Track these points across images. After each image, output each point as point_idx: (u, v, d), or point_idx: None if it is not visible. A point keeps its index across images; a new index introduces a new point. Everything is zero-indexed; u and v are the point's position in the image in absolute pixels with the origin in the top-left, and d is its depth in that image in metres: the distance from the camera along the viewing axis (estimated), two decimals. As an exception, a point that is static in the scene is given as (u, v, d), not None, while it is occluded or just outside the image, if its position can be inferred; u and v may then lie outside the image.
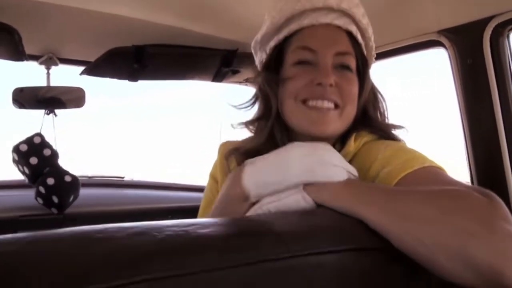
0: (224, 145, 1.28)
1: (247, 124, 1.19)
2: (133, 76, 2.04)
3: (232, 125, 1.21)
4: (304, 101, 1.05)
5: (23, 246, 0.49)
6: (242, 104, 1.20)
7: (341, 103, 1.05)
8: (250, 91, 2.43)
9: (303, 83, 1.05)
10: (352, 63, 1.09)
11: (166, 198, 2.51)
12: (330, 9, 1.08)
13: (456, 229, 0.67)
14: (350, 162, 1.05)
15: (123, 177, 2.71)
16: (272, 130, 1.11)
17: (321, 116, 1.04)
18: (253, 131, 1.20)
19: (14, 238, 0.50)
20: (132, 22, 1.72)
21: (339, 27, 1.09)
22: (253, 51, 1.24)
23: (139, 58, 1.88)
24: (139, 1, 1.61)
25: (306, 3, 1.07)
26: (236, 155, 1.15)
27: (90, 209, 2.16)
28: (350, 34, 1.10)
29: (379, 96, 1.18)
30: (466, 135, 1.58)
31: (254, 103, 1.19)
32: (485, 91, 1.48)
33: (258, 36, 1.17)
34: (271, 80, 1.11)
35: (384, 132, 1.11)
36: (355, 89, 1.09)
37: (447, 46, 1.57)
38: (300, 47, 1.08)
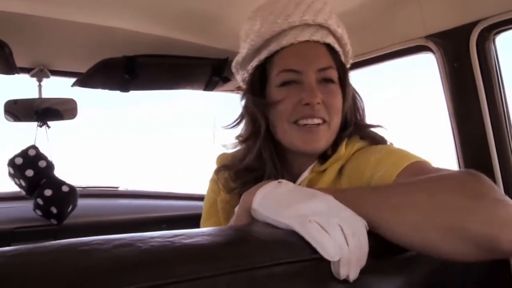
0: (220, 157, 1.34)
1: (236, 144, 1.24)
2: (124, 86, 2.04)
3: (224, 146, 1.27)
4: (295, 121, 1.09)
5: (11, 258, 0.50)
6: (230, 124, 1.23)
7: (328, 118, 1.10)
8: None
9: (291, 105, 1.09)
10: (334, 75, 1.13)
11: (161, 207, 2.51)
12: (306, 25, 1.10)
13: (445, 208, 0.69)
14: (343, 166, 1.11)
15: (117, 187, 2.72)
16: (261, 149, 1.15)
17: (313, 135, 1.08)
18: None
19: (2, 251, 0.51)
20: (123, 33, 1.73)
21: (317, 41, 1.11)
22: (234, 71, 1.28)
23: (129, 69, 1.89)
24: (129, 13, 1.62)
25: (283, 23, 1.09)
26: (228, 173, 1.23)
27: (85, 219, 2.17)
28: (328, 45, 1.13)
29: (357, 96, 1.23)
30: (455, 138, 1.59)
31: (240, 121, 1.23)
32: (472, 95, 1.50)
33: (239, 58, 1.20)
34: (258, 103, 1.14)
35: (373, 138, 1.16)
36: (339, 100, 1.13)
37: (434, 50, 1.58)
38: (283, 70, 1.11)
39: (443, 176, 0.76)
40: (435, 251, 0.71)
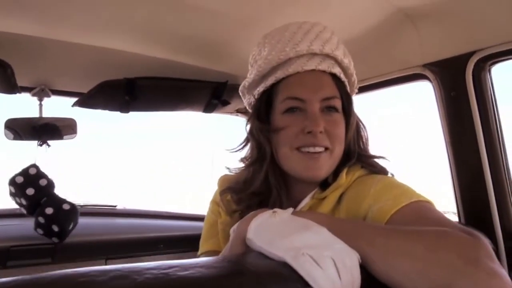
0: (222, 179, 1.35)
1: (242, 167, 1.24)
2: (125, 107, 2.06)
3: (227, 168, 1.28)
4: (298, 148, 1.10)
5: None
6: (235, 148, 1.25)
7: (330, 146, 1.11)
8: (240, 120, 2.47)
9: (295, 132, 1.10)
10: (338, 104, 1.14)
11: (158, 227, 2.50)
12: (313, 54, 1.12)
13: (442, 266, 0.69)
14: (342, 194, 1.12)
15: (115, 206, 2.71)
16: (267, 174, 1.16)
17: (314, 162, 1.09)
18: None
19: (1, 282, 0.52)
20: (123, 55, 1.75)
21: (323, 71, 1.13)
22: (241, 94, 1.29)
23: (130, 90, 1.91)
24: (130, 35, 1.64)
25: (290, 52, 1.10)
26: (231, 195, 1.23)
27: (82, 239, 2.15)
28: (334, 75, 1.15)
29: (361, 125, 1.24)
30: (451, 165, 1.60)
31: (245, 145, 1.24)
32: (468, 123, 1.52)
33: (246, 83, 1.21)
34: (263, 129, 1.16)
35: (374, 166, 1.16)
36: (342, 130, 1.14)
37: (431, 79, 1.60)
38: (288, 97, 1.12)
39: (445, 233, 0.76)
40: None
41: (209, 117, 2.39)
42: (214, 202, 1.35)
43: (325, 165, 1.11)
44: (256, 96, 1.22)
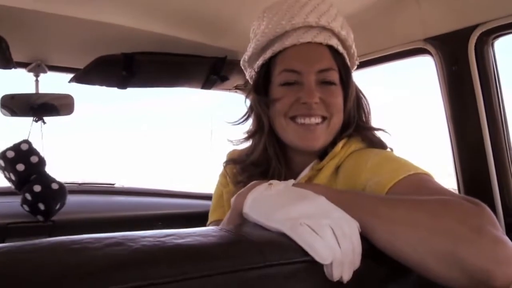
0: (230, 153, 1.38)
1: (242, 139, 1.26)
2: (122, 83, 2.03)
3: (230, 141, 1.29)
4: (293, 118, 1.13)
5: (0, 256, 0.50)
6: (237, 121, 1.27)
7: (327, 115, 1.13)
8: (239, 97, 2.45)
9: (290, 102, 1.12)
10: (335, 77, 1.15)
11: (157, 205, 2.50)
12: (309, 27, 1.13)
13: (445, 233, 0.69)
14: (339, 166, 1.13)
15: (113, 184, 2.71)
16: (266, 145, 1.19)
17: (310, 133, 1.12)
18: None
19: None
20: (121, 30, 1.72)
21: (319, 43, 1.14)
22: (243, 68, 1.31)
23: (127, 66, 1.89)
24: (127, 9, 1.61)
25: (286, 25, 1.11)
26: (236, 167, 1.27)
27: (80, 216, 2.15)
28: (331, 47, 1.15)
29: (363, 98, 1.24)
30: (452, 140, 1.59)
31: (247, 118, 1.26)
32: (470, 98, 1.50)
33: (246, 56, 1.24)
34: (261, 101, 1.18)
35: (372, 140, 1.17)
36: (339, 100, 1.15)
37: (433, 53, 1.58)
38: (284, 70, 1.14)
39: (447, 201, 0.75)
40: (428, 273, 0.71)
41: (208, 94, 2.37)
42: (222, 174, 1.38)
43: (321, 136, 1.13)
44: (255, 69, 1.24)
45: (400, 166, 0.98)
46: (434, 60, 1.59)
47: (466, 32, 1.47)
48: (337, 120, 1.15)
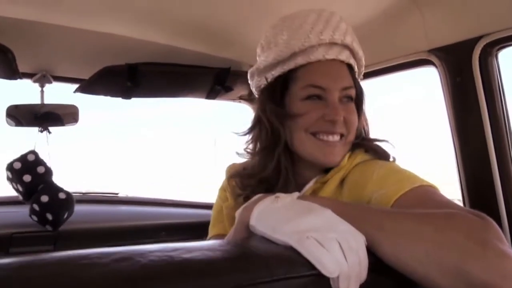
0: (230, 166, 1.38)
1: (253, 152, 1.24)
2: (126, 94, 2.05)
3: (237, 153, 1.28)
4: (314, 133, 1.12)
5: (10, 271, 0.50)
6: (244, 131, 1.25)
7: (345, 132, 1.14)
8: (243, 107, 2.46)
9: (314, 119, 1.11)
10: (354, 93, 1.17)
11: (160, 214, 2.50)
12: (333, 44, 1.13)
13: (451, 247, 0.69)
14: (344, 178, 1.13)
15: (117, 193, 2.71)
16: (279, 159, 1.16)
17: (331, 149, 1.12)
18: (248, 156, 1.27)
19: (2, 263, 0.51)
20: (125, 41, 1.73)
21: (341, 61, 1.15)
22: (249, 75, 1.28)
23: (132, 76, 1.90)
24: (132, 20, 1.63)
25: (313, 39, 1.10)
26: (236, 180, 1.25)
27: (84, 226, 2.15)
28: (349, 66, 1.17)
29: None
30: (457, 150, 1.59)
31: (254, 129, 1.23)
32: (474, 109, 1.50)
33: (260, 65, 1.20)
34: (278, 113, 1.15)
35: (377, 151, 1.17)
36: (356, 118, 1.17)
37: (437, 64, 1.58)
38: (309, 85, 1.12)
39: (453, 215, 0.75)
40: (432, 286, 0.71)
41: (211, 104, 2.38)
42: (222, 189, 1.37)
43: (341, 152, 1.14)
44: (269, 80, 1.20)
45: (406, 178, 0.98)
46: (438, 71, 1.59)
47: (470, 44, 1.48)
48: (352, 136, 1.16)
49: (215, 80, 2.08)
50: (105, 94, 2.09)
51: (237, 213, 0.90)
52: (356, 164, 1.14)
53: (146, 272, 0.53)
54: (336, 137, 1.12)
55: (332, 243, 0.68)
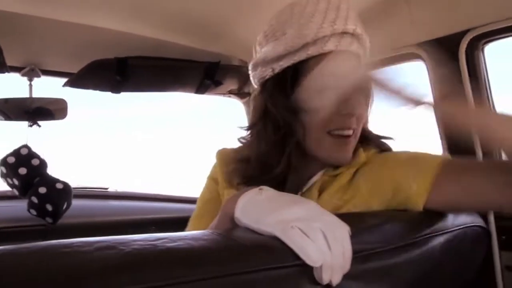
0: (221, 152, 1.30)
1: (245, 140, 1.21)
2: (116, 88, 2.04)
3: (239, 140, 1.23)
4: (330, 131, 1.07)
5: None
6: (247, 126, 1.20)
7: (356, 127, 1.09)
8: (233, 102, 2.46)
9: (331, 114, 1.05)
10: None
11: (150, 209, 2.50)
12: (345, 33, 1.07)
13: None
14: (357, 170, 1.12)
15: (107, 188, 2.70)
16: (290, 155, 1.09)
17: (344, 145, 1.08)
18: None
19: None
20: (114, 34, 1.73)
21: (351, 52, 1.09)
22: (252, 66, 1.18)
23: (121, 70, 1.90)
24: (121, 14, 1.62)
25: (327, 29, 1.04)
26: (234, 168, 1.17)
27: (74, 220, 2.15)
28: (358, 56, 1.11)
29: None
30: (443, 145, 1.60)
31: (258, 122, 1.16)
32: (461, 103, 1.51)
33: (267, 55, 1.11)
34: (292, 108, 1.07)
35: (384, 146, 1.18)
36: (365, 111, 1.14)
37: (424, 58, 1.59)
38: None
39: None
40: None
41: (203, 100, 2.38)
42: (211, 178, 1.29)
43: (352, 148, 1.10)
44: (276, 70, 1.10)
45: (430, 155, 1.06)
46: (426, 65, 1.60)
47: (457, 37, 1.48)
48: (360, 130, 1.12)
49: (205, 74, 2.08)
50: (94, 88, 2.09)
51: (222, 206, 0.90)
52: (370, 157, 1.13)
53: (129, 260, 0.54)
54: (351, 132, 1.07)
55: (317, 233, 0.68)
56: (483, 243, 1.25)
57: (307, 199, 0.80)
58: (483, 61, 1.50)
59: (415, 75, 1.65)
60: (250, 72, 1.20)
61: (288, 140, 1.08)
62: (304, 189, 1.12)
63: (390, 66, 1.76)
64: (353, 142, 1.10)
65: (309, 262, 0.66)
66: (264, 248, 0.67)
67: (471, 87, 1.49)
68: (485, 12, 1.41)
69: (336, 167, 1.12)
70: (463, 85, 1.50)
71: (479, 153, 1.49)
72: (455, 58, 1.50)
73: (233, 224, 0.83)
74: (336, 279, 0.68)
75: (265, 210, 0.76)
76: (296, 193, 1.08)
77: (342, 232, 0.72)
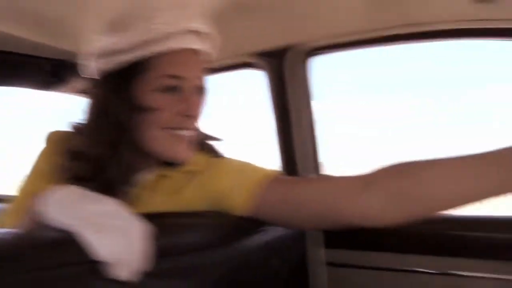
0: (54, 134, 1.17)
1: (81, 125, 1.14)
2: None
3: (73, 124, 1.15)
4: (168, 130, 1.05)
5: None
6: (82, 120, 1.13)
7: (195, 126, 1.10)
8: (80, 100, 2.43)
9: (170, 114, 1.04)
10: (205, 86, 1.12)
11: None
12: (188, 31, 1.06)
13: None
14: (191, 175, 1.14)
15: None
16: (122, 155, 1.05)
17: (184, 145, 1.07)
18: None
19: None
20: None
21: (195, 50, 1.08)
22: (88, 56, 1.12)
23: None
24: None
25: (171, 27, 1.03)
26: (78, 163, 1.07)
27: None
28: (201, 56, 1.12)
29: None
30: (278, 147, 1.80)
31: (94, 119, 1.10)
32: (285, 112, 1.73)
33: (107, 47, 1.06)
34: (125, 107, 1.04)
35: (213, 150, 1.22)
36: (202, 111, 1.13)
37: (258, 68, 1.75)
38: (166, 75, 1.04)
39: None
40: None
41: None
42: (37, 169, 1.15)
43: (188, 146, 1.09)
44: (111, 65, 1.06)
45: (259, 168, 1.11)
46: (261, 74, 1.76)
47: (282, 51, 1.66)
48: (196, 131, 1.12)
49: (50, 71, 2.04)
50: None
51: (31, 202, 0.89)
52: (204, 163, 1.15)
53: None
54: (191, 132, 1.07)
55: (109, 230, 0.74)
56: (301, 242, 1.39)
57: (109, 198, 0.83)
58: (306, 74, 1.70)
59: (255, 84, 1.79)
60: (86, 62, 1.13)
61: (123, 139, 1.05)
62: (135, 187, 1.09)
63: (227, 72, 1.89)
64: (193, 141, 1.10)
65: (99, 258, 0.71)
66: (64, 245, 0.72)
67: (293, 97, 1.70)
68: (305, 32, 1.58)
69: (171, 165, 1.11)
70: (287, 95, 1.70)
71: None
72: (280, 71, 1.68)
73: (40, 221, 0.82)
74: (127, 275, 0.74)
75: (68, 208, 0.79)
76: (126, 191, 1.05)
77: (136, 229, 0.78)
